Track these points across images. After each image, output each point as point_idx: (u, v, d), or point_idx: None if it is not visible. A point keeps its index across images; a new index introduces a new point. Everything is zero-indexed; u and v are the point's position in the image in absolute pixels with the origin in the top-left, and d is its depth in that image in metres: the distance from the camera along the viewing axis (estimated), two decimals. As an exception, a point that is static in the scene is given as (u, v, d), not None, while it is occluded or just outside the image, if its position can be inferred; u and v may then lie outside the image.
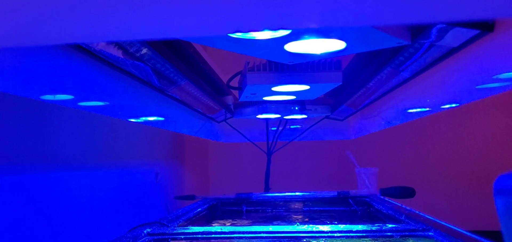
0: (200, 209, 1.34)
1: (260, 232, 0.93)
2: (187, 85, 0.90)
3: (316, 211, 1.51)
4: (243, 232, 0.93)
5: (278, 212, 1.51)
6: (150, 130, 1.52)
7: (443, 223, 0.90)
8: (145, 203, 1.51)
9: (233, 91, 1.23)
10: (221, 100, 1.27)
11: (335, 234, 0.91)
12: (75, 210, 1.03)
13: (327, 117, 1.61)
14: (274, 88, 0.96)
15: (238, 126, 1.74)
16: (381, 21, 0.34)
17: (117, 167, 1.30)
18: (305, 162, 2.26)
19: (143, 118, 1.10)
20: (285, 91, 1.00)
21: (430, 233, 0.88)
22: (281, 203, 1.53)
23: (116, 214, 1.26)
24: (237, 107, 1.44)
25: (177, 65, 0.75)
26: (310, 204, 1.52)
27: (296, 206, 1.53)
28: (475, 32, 0.54)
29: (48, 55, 0.54)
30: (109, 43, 0.55)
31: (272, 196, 1.53)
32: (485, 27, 0.53)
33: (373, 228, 0.91)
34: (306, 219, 1.37)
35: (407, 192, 1.47)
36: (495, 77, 0.69)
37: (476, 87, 0.79)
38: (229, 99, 1.31)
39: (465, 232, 0.81)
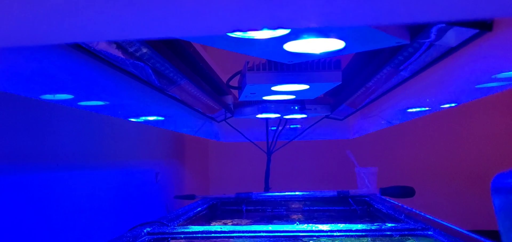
0: (200, 208, 1.35)
1: (259, 232, 0.93)
2: (187, 85, 0.90)
3: (315, 210, 1.51)
4: (243, 232, 0.93)
5: (278, 211, 1.51)
6: (150, 130, 1.53)
7: (442, 222, 0.90)
8: (145, 202, 1.51)
9: (233, 91, 1.23)
10: (221, 100, 1.27)
11: (335, 234, 0.91)
12: (75, 209, 1.03)
13: (327, 117, 1.61)
14: (274, 88, 0.96)
15: (238, 125, 1.74)
16: (380, 20, 0.35)
17: (117, 167, 1.30)
18: (305, 162, 2.26)
19: (143, 118, 1.10)
20: (285, 91, 1.00)
21: (429, 232, 0.88)
22: (281, 203, 1.53)
23: (116, 213, 1.26)
24: (237, 107, 1.44)
25: (177, 65, 0.76)
26: (310, 203, 1.52)
27: (296, 206, 1.53)
28: (473, 31, 0.54)
29: (48, 54, 0.54)
30: (109, 42, 0.55)
31: (272, 196, 1.53)
32: (484, 26, 0.53)
33: (373, 228, 0.92)
34: (302, 218, 1.37)
35: (406, 192, 1.48)
36: (494, 76, 0.69)
37: (476, 86, 0.79)
38: (229, 99, 1.31)
39: (464, 231, 0.81)
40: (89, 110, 0.93)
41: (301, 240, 0.92)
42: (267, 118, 1.69)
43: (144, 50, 0.62)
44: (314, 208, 1.52)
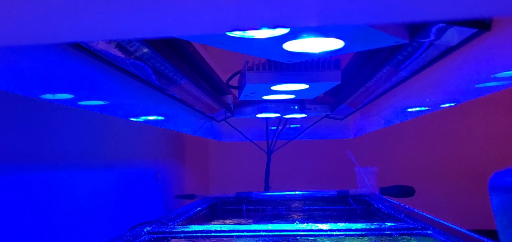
0: (200, 208, 1.35)
1: (259, 231, 0.93)
2: (186, 85, 0.90)
3: (315, 210, 1.51)
4: (243, 231, 0.94)
5: (278, 211, 1.51)
6: (150, 129, 1.53)
7: (442, 221, 0.91)
8: (145, 202, 1.51)
9: (232, 90, 1.23)
10: (221, 100, 1.27)
11: (334, 233, 0.92)
12: (76, 208, 1.04)
13: (326, 116, 1.61)
14: (274, 87, 0.97)
15: (238, 125, 1.74)
16: (378, 19, 0.35)
17: (118, 166, 1.30)
18: (304, 161, 2.26)
19: (143, 118, 1.11)
20: (285, 90, 1.00)
21: (429, 232, 0.89)
22: (281, 202, 1.53)
23: (117, 212, 1.26)
24: (237, 107, 1.44)
25: (176, 65, 0.76)
26: (310, 203, 1.52)
27: (296, 205, 1.53)
28: (472, 31, 0.54)
29: (48, 54, 0.54)
30: (109, 42, 0.55)
31: (272, 195, 1.53)
32: (482, 25, 0.53)
33: (372, 227, 0.92)
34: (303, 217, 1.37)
35: (406, 191, 1.48)
36: (493, 76, 0.69)
37: (475, 86, 0.79)
38: (229, 99, 1.31)
39: (463, 230, 0.81)
40: (89, 110, 0.94)
41: (301, 239, 0.92)
42: (267, 118, 1.69)
43: (144, 50, 0.62)
44: (314, 207, 1.52)
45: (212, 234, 0.93)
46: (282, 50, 0.63)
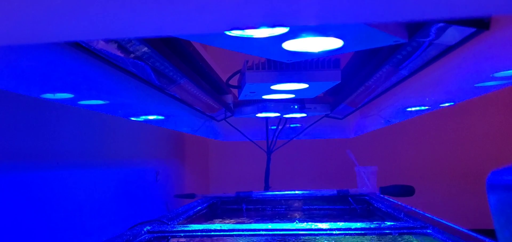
0: (200, 207, 1.35)
1: (259, 230, 0.93)
2: (186, 84, 0.90)
3: (315, 209, 1.51)
4: (243, 230, 0.94)
5: (278, 210, 1.52)
6: (151, 129, 1.53)
7: (441, 220, 0.91)
8: (145, 201, 1.51)
9: (232, 90, 1.23)
10: (221, 99, 1.27)
11: (334, 232, 0.92)
12: (76, 208, 1.04)
13: (326, 116, 1.61)
14: (273, 87, 0.97)
15: (238, 124, 1.74)
16: (377, 18, 0.35)
17: (118, 166, 1.30)
18: (304, 161, 2.27)
19: (143, 117, 1.11)
20: (284, 89, 1.00)
21: (428, 231, 0.89)
22: (281, 202, 1.53)
23: (117, 212, 1.26)
24: (237, 106, 1.44)
25: (176, 64, 0.76)
26: (310, 202, 1.52)
27: (295, 205, 1.53)
28: (471, 30, 0.55)
29: (48, 53, 0.54)
30: (109, 41, 0.55)
31: (272, 195, 1.54)
32: (481, 25, 0.53)
33: (372, 226, 0.92)
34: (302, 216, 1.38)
35: (406, 190, 1.48)
36: (492, 75, 0.69)
37: (475, 85, 0.79)
38: (229, 98, 1.31)
39: (463, 230, 0.81)
40: (90, 109, 0.94)
41: (301, 238, 0.93)
42: (267, 118, 1.69)
43: (144, 49, 0.62)
44: (314, 207, 1.52)
45: (212, 233, 0.94)
46: (281, 50, 0.64)
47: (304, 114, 1.49)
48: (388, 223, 0.93)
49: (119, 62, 0.64)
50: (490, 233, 0.64)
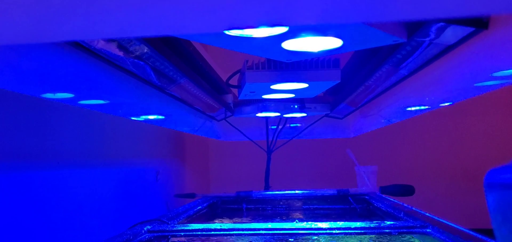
0: (200, 207, 1.35)
1: (259, 229, 0.93)
2: (186, 84, 0.91)
3: (315, 209, 1.51)
4: (243, 229, 0.94)
5: (278, 210, 1.52)
6: (151, 128, 1.53)
7: (441, 220, 0.91)
8: (145, 201, 1.51)
9: (232, 89, 1.24)
10: (221, 99, 1.28)
11: (334, 231, 0.92)
12: (76, 207, 1.04)
13: (326, 115, 1.61)
14: (273, 86, 0.97)
15: (238, 124, 1.74)
16: (376, 18, 0.35)
17: (118, 165, 1.31)
18: (305, 160, 2.27)
19: (143, 117, 1.11)
20: (284, 89, 1.01)
21: (428, 230, 0.89)
22: (281, 201, 1.53)
23: (117, 211, 1.27)
24: (237, 106, 1.45)
25: (176, 64, 0.76)
26: (310, 202, 1.52)
27: (296, 204, 1.53)
28: (470, 29, 0.55)
29: (48, 53, 0.54)
30: (109, 41, 0.55)
31: (272, 194, 1.54)
32: (480, 24, 0.53)
33: (372, 225, 0.92)
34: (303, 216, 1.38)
35: (406, 190, 1.48)
36: (492, 74, 0.69)
37: (474, 85, 0.79)
38: (229, 98, 1.32)
39: (462, 229, 0.81)
40: (90, 109, 0.94)
41: (301, 238, 0.93)
42: (267, 117, 1.69)
43: (144, 49, 0.62)
44: (314, 206, 1.52)
45: (212, 232, 0.94)
46: (281, 49, 0.64)
47: (304, 114, 1.49)
48: (388, 223, 0.94)
49: (119, 62, 0.65)
50: (490, 232, 0.64)
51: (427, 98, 1.02)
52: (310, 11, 0.32)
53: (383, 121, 1.41)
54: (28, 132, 0.87)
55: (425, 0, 0.32)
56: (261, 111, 1.41)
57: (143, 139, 1.53)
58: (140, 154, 1.50)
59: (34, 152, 0.90)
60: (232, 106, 1.41)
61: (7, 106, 0.81)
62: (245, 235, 0.94)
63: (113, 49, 0.58)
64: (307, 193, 1.52)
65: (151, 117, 1.13)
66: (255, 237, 0.93)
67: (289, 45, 0.62)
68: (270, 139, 1.77)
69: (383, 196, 1.42)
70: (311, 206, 1.52)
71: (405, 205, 1.14)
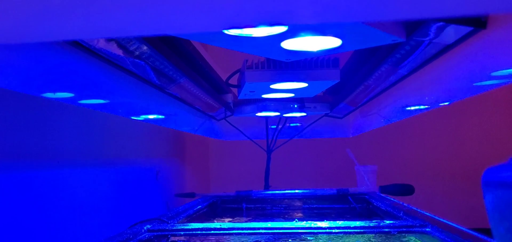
0: (200, 206, 1.35)
1: (259, 229, 0.94)
2: (186, 83, 0.91)
3: (315, 208, 1.51)
4: (242, 229, 0.94)
5: (277, 209, 1.52)
6: (151, 128, 1.53)
7: (440, 219, 0.91)
8: (145, 200, 1.51)
9: (232, 89, 1.24)
10: (221, 98, 1.28)
11: (334, 231, 0.92)
12: (76, 206, 1.04)
13: (326, 115, 1.61)
14: (273, 86, 0.97)
15: (238, 123, 1.74)
16: (375, 17, 0.35)
17: (118, 165, 1.31)
18: (304, 160, 2.27)
19: (143, 116, 1.11)
20: (284, 88, 1.01)
21: (427, 229, 0.89)
22: (280, 201, 1.53)
23: (117, 210, 1.27)
24: (237, 105, 1.45)
25: (176, 64, 0.76)
26: (310, 201, 1.53)
27: (295, 204, 1.54)
28: (468, 29, 0.55)
29: (48, 53, 0.54)
30: (109, 41, 0.56)
31: (272, 194, 1.54)
32: (478, 24, 0.53)
33: (371, 225, 0.92)
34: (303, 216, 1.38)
35: (406, 189, 1.48)
36: (490, 74, 0.69)
37: (473, 84, 0.80)
38: (229, 97, 1.32)
39: (462, 228, 0.81)
40: (90, 109, 0.94)
41: (300, 237, 0.93)
42: (267, 117, 1.69)
43: (144, 48, 0.62)
44: (314, 206, 1.52)
45: (212, 231, 0.94)
46: (280, 49, 0.64)
47: (303, 114, 1.49)
48: (388, 222, 0.94)
49: (119, 61, 0.65)
50: (489, 232, 0.65)
51: (426, 98, 1.02)
52: (309, 11, 0.32)
53: (382, 120, 1.41)
54: (28, 131, 0.87)
55: (424, 0, 0.32)
56: (261, 111, 1.41)
57: (143, 138, 1.53)
58: (140, 153, 1.50)
59: (34, 151, 0.90)
60: (232, 106, 1.41)
61: (7, 105, 0.81)
62: (245, 235, 0.94)
63: (113, 48, 0.58)
64: (306, 192, 1.52)
65: (151, 116, 1.13)
66: (255, 236, 0.93)
67: (289, 44, 0.62)
68: (270, 138, 1.77)
69: (383, 195, 1.42)
70: (310, 206, 1.52)
71: (405, 204, 1.14)
